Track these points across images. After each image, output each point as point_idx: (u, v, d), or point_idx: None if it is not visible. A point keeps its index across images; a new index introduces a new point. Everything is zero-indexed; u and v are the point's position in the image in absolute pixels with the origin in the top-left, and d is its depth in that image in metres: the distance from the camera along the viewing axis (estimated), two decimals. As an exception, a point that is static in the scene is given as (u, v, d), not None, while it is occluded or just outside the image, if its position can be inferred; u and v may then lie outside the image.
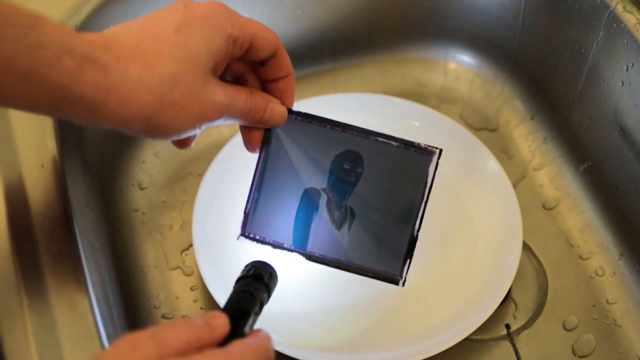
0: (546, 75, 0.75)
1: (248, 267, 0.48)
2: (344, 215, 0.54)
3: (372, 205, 0.54)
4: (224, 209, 0.67)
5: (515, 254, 0.64)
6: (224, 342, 0.42)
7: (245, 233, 0.55)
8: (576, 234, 0.70)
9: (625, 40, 0.64)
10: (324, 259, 0.54)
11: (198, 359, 0.39)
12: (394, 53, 0.80)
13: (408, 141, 0.53)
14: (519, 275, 0.64)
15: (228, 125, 0.75)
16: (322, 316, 0.63)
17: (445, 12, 0.79)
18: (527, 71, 0.78)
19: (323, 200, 0.54)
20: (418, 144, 0.53)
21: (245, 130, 0.53)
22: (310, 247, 0.54)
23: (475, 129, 0.77)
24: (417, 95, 0.79)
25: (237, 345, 0.41)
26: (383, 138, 0.53)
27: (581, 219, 0.70)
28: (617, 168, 0.68)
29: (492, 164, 0.69)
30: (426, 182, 0.53)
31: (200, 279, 0.63)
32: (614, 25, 0.65)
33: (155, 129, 0.46)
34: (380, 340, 0.62)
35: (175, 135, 0.48)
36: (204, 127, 0.48)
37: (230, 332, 0.42)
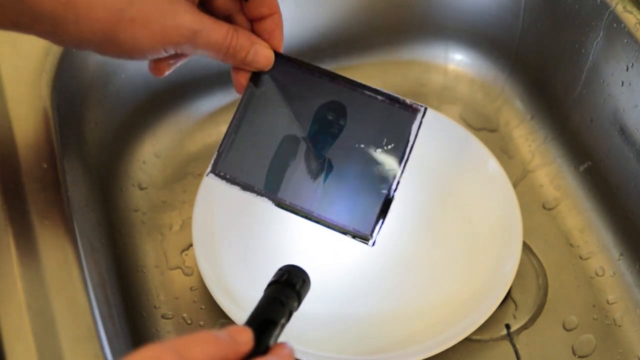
0: (546, 75, 0.75)
1: (281, 272, 0.46)
2: (321, 167, 0.51)
3: (352, 160, 0.51)
4: (224, 209, 0.67)
5: (515, 254, 0.64)
6: (247, 356, 0.40)
7: (215, 171, 0.52)
8: (576, 234, 0.70)
9: (625, 40, 0.64)
10: (293, 208, 0.51)
11: None
12: (394, 53, 0.80)
13: (394, 96, 0.51)
14: (519, 275, 0.63)
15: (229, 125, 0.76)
16: (321, 317, 0.63)
17: (445, 12, 0.79)
18: (527, 71, 0.78)
19: (302, 149, 0.51)
20: (404, 100, 0.51)
21: (234, 71, 0.52)
22: (282, 194, 0.51)
23: (475, 129, 0.77)
24: (417, 95, 0.79)
25: None
26: (369, 91, 0.51)
27: (581, 219, 0.70)
28: (617, 168, 0.68)
29: (492, 164, 0.69)
30: (408, 141, 0.50)
31: (200, 279, 0.63)
32: (614, 25, 0.65)
33: (115, 47, 0.46)
34: (380, 341, 0.62)
35: (139, 55, 0.48)
36: (170, 50, 0.48)
37: (254, 344, 0.40)
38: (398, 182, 0.51)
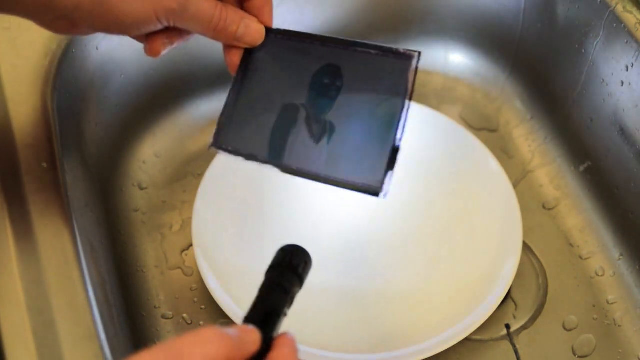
0: (546, 75, 0.75)
1: (283, 254, 0.44)
2: (322, 129, 0.51)
3: (352, 118, 0.50)
4: (224, 209, 0.67)
5: (515, 254, 0.64)
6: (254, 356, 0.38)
7: (217, 144, 0.52)
8: (576, 234, 0.70)
9: (625, 40, 0.64)
10: (301, 172, 0.50)
11: None
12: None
13: (386, 47, 0.50)
14: (519, 275, 0.64)
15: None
16: (321, 316, 0.63)
17: (445, 12, 0.79)
18: (527, 71, 0.78)
19: (302, 115, 0.51)
20: (397, 49, 0.50)
21: (226, 50, 0.52)
22: (287, 160, 0.51)
23: (475, 129, 0.77)
24: (417, 95, 0.78)
25: None
26: (361, 47, 0.51)
27: (581, 219, 0.70)
28: (617, 168, 0.68)
29: (492, 164, 0.69)
30: (406, 88, 0.50)
31: (200, 279, 0.63)
32: (614, 25, 0.65)
33: (108, 12, 0.47)
34: (380, 341, 0.62)
35: (132, 24, 0.48)
36: (163, 19, 0.48)
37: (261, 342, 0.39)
38: (403, 130, 0.49)
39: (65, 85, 0.62)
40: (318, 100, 0.51)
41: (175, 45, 0.52)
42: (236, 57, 0.52)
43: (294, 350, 0.39)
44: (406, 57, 0.50)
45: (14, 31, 0.63)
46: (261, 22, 0.51)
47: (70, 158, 0.60)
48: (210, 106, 0.76)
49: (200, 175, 0.69)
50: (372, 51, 0.51)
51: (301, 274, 0.43)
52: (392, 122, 0.49)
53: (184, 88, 0.75)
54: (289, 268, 0.42)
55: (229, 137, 0.52)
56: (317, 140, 0.50)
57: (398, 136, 0.49)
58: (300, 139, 0.51)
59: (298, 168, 0.50)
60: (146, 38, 0.51)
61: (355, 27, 0.79)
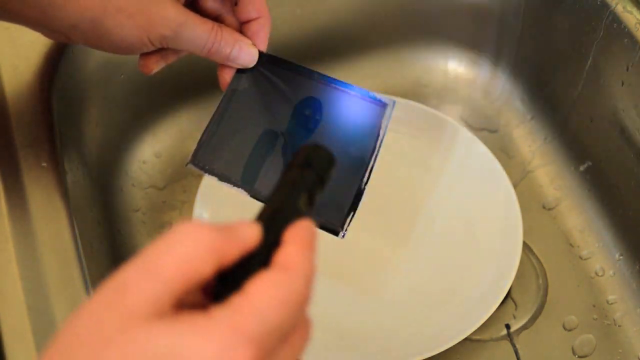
0: (546, 75, 0.75)
1: (302, 153, 0.37)
2: None
3: None
4: (224, 209, 0.67)
5: (515, 254, 0.64)
6: (254, 256, 0.31)
7: (194, 161, 0.53)
8: (576, 234, 0.70)
9: (625, 40, 0.64)
10: (268, 201, 0.52)
11: (196, 331, 0.28)
12: (394, 53, 0.80)
13: (364, 91, 0.53)
14: (519, 275, 0.63)
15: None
16: (321, 317, 0.63)
17: (445, 12, 0.79)
18: (527, 71, 0.78)
19: (280, 143, 0.53)
20: (374, 94, 0.53)
21: (219, 67, 0.54)
22: (258, 186, 0.53)
23: (476, 129, 0.77)
24: (417, 95, 0.79)
25: (257, 291, 0.29)
26: (342, 86, 0.53)
27: (581, 219, 0.70)
28: (617, 168, 0.68)
29: (492, 164, 0.69)
30: (378, 135, 0.52)
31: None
32: (614, 25, 0.65)
33: (103, 36, 0.48)
34: (380, 341, 0.62)
35: (126, 47, 0.49)
36: (156, 43, 0.49)
37: (263, 239, 0.32)
38: (369, 175, 0.51)
39: (65, 85, 0.62)
40: (297, 130, 0.53)
41: (169, 62, 0.54)
42: (228, 76, 0.54)
43: (308, 243, 0.33)
44: (382, 104, 0.52)
45: (14, 31, 0.63)
46: (255, 45, 0.53)
47: (70, 158, 0.60)
48: (211, 106, 0.75)
49: (200, 175, 0.69)
50: (352, 92, 0.53)
51: (318, 170, 0.37)
52: (361, 165, 0.52)
53: (183, 88, 0.75)
54: (301, 165, 0.37)
55: (206, 156, 0.53)
56: None
57: (364, 180, 0.51)
58: (274, 168, 0.52)
59: (266, 196, 0.52)
60: (140, 55, 0.53)
61: (356, 28, 0.79)
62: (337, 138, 0.53)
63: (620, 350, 0.63)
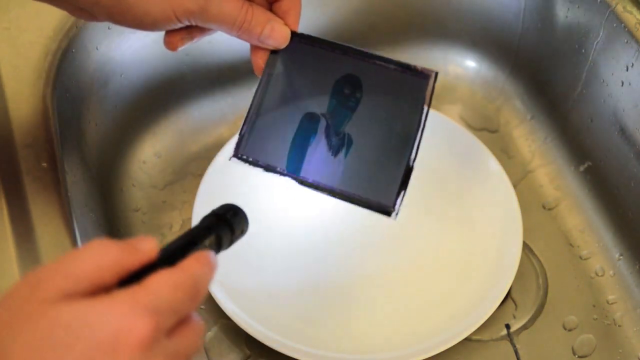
0: (546, 75, 0.75)
1: (218, 209, 0.43)
2: (341, 142, 0.52)
3: (370, 132, 0.51)
4: (224, 209, 0.67)
5: (515, 254, 0.64)
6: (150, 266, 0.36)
7: (238, 154, 0.53)
8: (576, 234, 0.70)
9: (625, 40, 0.64)
10: (317, 186, 0.51)
11: (100, 303, 0.32)
12: (394, 53, 0.80)
13: (405, 64, 0.51)
14: (519, 275, 0.63)
15: (228, 127, 0.76)
16: (321, 317, 0.63)
17: (445, 12, 0.79)
18: (527, 71, 0.78)
19: (322, 125, 0.52)
20: (415, 66, 0.51)
21: (253, 50, 0.52)
22: (304, 172, 0.52)
23: (475, 129, 0.77)
24: (417, 95, 0.79)
25: (154, 279, 0.34)
26: (381, 61, 0.52)
27: (581, 219, 0.70)
28: (617, 168, 0.68)
29: (492, 164, 0.69)
30: (422, 107, 0.51)
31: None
32: (614, 25, 0.65)
33: (126, 10, 0.47)
34: (380, 341, 0.62)
35: (151, 22, 0.48)
36: (183, 19, 0.48)
37: (161, 256, 0.36)
38: (417, 150, 0.50)
39: (65, 85, 0.62)
40: (338, 111, 0.52)
41: (195, 40, 0.52)
42: (262, 59, 0.52)
43: (198, 268, 0.36)
44: (423, 76, 0.51)
45: (14, 31, 0.63)
46: (287, 24, 0.51)
47: (70, 158, 0.60)
48: (211, 106, 0.76)
49: (200, 175, 0.69)
50: (391, 66, 0.52)
51: (230, 219, 0.43)
52: (408, 140, 0.50)
53: (184, 88, 0.75)
54: (214, 215, 0.43)
55: (249, 147, 0.52)
56: (335, 153, 0.52)
57: (412, 156, 0.50)
58: (318, 152, 0.52)
59: (314, 181, 0.51)
60: (165, 32, 0.51)
61: (356, 28, 0.79)
62: (380, 115, 0.51)
63: (620, 350, 0.63)
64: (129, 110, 0.72)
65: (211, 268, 0.37)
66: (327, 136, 0.52)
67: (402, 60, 0.51)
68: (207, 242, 0.40)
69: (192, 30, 0.51)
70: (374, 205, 0.50)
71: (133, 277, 0.35)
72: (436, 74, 0.51)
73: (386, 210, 0.50)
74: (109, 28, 0.67)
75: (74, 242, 0.52)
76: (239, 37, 0.50)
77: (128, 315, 0.32)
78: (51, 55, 0.62)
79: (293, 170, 0.52)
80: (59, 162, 0.56)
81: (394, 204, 0.50)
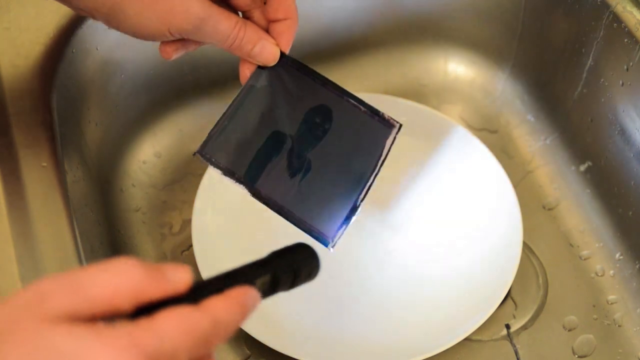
0: (546, 75, 0.75)
1: (298, 249, 0.39)
2: (301, 166, 0.54)
3: (329, 163, 0.54)
4: (224, 209, 0.67)
5: (515, 254, 0.64)
6: (180, 298, 0.32)
7: (202, 152, 0.54)
8: (576, 234, 0.70)
9: (625, 40, 0.64)
10: (267, 201, 0.53)
11: (94, 336, 0.29)
12: (394, 53, 0.80)
13: (374, 109, 0.54)
14: (519, 275, 0.64)
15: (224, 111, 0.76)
16: (321, 316, 0.63)
17: (445, 12, 0.79)
18: (527, 71, 0.78)
19: (287, 146, 0.54)
20: (382, 114, 0.54)
21: (241, 62, 0.54)
22: (260, 185, 0.53)
23: (475, 129, 0.77)
24: (417, 95, 0.79)
25: (164, 316, 0.31)
26: (354, 100, 0.54)
27: (581, 219, 0.70)
28: (617, 168, 0.68)
29: (492, 164, 0.69)
30: (381, 154, 0.53)
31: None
32: (614, 25, 0.65)
33: (122, 21, 0.48)
34: (380, 341, 0.62)
35: (144, 35, 0.49)
36: (176, 34, 0.49)
37: (194, 288, 0.32)
38: (366, 192, 0.53)
39: (65, 85, 0.62)
40: (305, 136, 0.54)
41: (189, 50, 0.53)
42: (248, 71, 0.54)
43: (238, 300, 0.33)
44: (389, 125, 0.54)
45: (14, 31, 0.63)
46: (279, 45, 0.53)
47: (70, 158, 0.60)
48: (211, 106, 0.76)
49: (200, 175, 0.69)
50: (362, 108, 0.54)
51: (298, 275, 0.37)
52: (360, 180, 0.53)
53: (184, 88, 0.75)
54: (290, 263, 0.37)
55: (214, 148, 0.54)
56: (293, 175, 0.54)
57: (361, 196, 0.53)
58: (277, 169, 0.53)
59: (266, 195, 0.53)
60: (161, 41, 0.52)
61: (356, 28, 0.79)
62: (341, 150, 0.54)
63: (620, 350, 0.63)
64: (129, 110, 0.72)
65: (243, 312, 0.33)
66: (290, 157, 0.54)
67: (373, 106, 0.54)
68: (258, 281, 0.35)
69: (187, 42, 0.53)
70: (315, 233, 0.52)
71: (151, 309, 0.31)
72: (400, 125, 0.54)
73: (325, 241, 0.52)
74: (109, 28, 0.67)
75: (74, 242, 0.52)
76: (230, 52, 0.52)
77: (122, 357, 0.29)
78: (51, 55, 0.62)
79: (250, 180, 0.53)
80: (59, 162, 0.56)
81: (334, 237, 0.52)
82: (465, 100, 0.79)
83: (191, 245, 0.66)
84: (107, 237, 0.63)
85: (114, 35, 0.67)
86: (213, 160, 0.54)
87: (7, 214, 0.52)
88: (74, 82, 0.64)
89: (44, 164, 0.55)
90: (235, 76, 0.77)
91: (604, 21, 0.66)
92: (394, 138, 0.53)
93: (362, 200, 0.53)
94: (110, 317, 0.31)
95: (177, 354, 0.30)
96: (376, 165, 0.53)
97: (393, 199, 0.70)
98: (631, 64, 0.64)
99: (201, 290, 0.32)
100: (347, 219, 0.53)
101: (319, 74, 0.55)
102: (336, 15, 0.77)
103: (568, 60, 0.71)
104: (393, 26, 0.80)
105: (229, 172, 0.54)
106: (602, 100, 0.68)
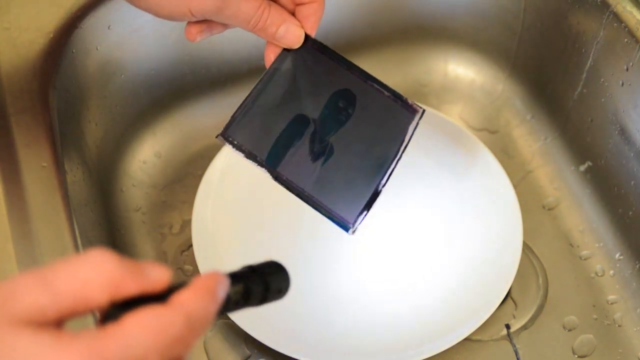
0: (546, 75, 0.75)
1: (268, 266, 0.38)
2: (323, 150, 0.53)
3: (351, 148, 0.53)
4: (224, 209, 0.67)
5: (515, 254, 0.64)
6: (155, 295, 0.31)
7: (225, 134, 0.54)
8: (576, 234, 0.70)
9: (625, 40, 0.64)
10: (289, 184, 0.53)
11: (56, 345, 0.28)
12: (394, 53, 0.80)
13: (398, 94, 0.54)
14: (519, 275, 0.63)
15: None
16: (321, 317, 0.63)
17: (445, 12, 0.79)
18: (527, 71, 0.78)
19: (310, 130, 0.54)
20: (406, 99, 0.54)
21: (267, 46, 0.53)
22: (281, 169, 0.53)
23: (476, 129, 0.77)
24: (417, 95, 0.79)
25: (131, 319, 0.29)
26: (378, 85, 0.54)
27: (581, 219, 0.70)
28: (617, 168, 0.68)
29: (492, 164, 0.69)
30: (403, 140, 0.53)
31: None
32: (614, 25, 0.65)
33: (144, 1, 0.48)
34: (380, 341, 0.62)
35: (165, 15, 0.49)
36: (198, 15, 0.49)
37: (162, 294, 0.31)
38: (388, 178, 0.52)
39: (65, 85, 0.62)
40: (328, 120, 0.54)
41: (214, 33, 0.53)
42: (273, 55, 0.54)
43: (206, 289, 0.31)
44: (412, 110, 0.54)
45: (14, 31, 0.63)
46: (304, 28, 0.53)
47: (70, 158, 0.60)
48: (211, 106, 0.76)
49: (200, 175, 0.69)
50: (386, 92, 0.54)
51: (266, 276, 0.37)
52: (383, 166, 0.53)
53: (184, 88, 0.75)
54: (251, 269, 0.37)
55: (237, 131, 0.53)
56: (315, 159, 0.53)
57: (383, 182, 0.53)
58: (299, 153, 0.53)
59: (288, 179, 0.53)
60: (186, 22, 0.52)
61: (356, 28, 0.79)
62: (364, 134, 0.53)
63: (620, 350, 0.63)
64: (129, 110, 0.72)
65: (214, 299, 0.31)
66: (312, 141, 0.53)
67: (396, 91, 0.54)
68: (231, 289, 0.34)
69: (212, 25, 0.52)
70: (336, 218, 0.52)
71: (125, 306, 0.30)
72: (423, 111, 0.54)
73: (346, 226, 0.52)
74: (109, 28, 0.67)
75: (74, 242, 0.52)
76: (254, 33, 0.52)
77: None
78: (51, 55, 0.62)
79: (271, 164, 0.53)
80: (59, 162, 0.56)
81: (354, 222, 0.52)
82: (465, 100, 0.79)
83: (191, 245, 0.66)
84: (107, 237, 0.63)
85: (114, 35, 0.67)
86: (235, 143, 0.53)
87: (7, 214, 0.52)
88: (74, 82, 0.64)
89: (44, 164, 0.55)
90: (235, 76, 0.77)
91: (604, 21, 0.66)
92: (417, 123, 0.53)
93: (383, 186, 0.52)
94: (83, 312, 0.29)
95: (149, 358, 0.29)
96: (398, 151, 0.53)
97: (393, 199, 0.70)
98: (631, 64, 0.64)
99: (171, 290, 0.31)
100: (369, 204, 0.52)
101: (343, 58, 0.54)
102: (337, 16, 0.77)
103: (568, 60, 0.71)
104: (393, 26, 0.80)
105: (251, 156, 0.53)
106: (602, 100, 0.68)
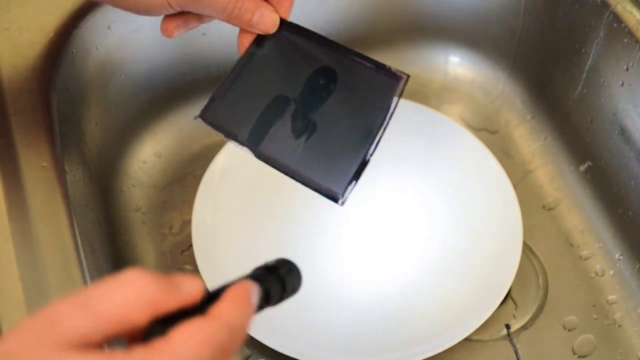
0: (546, 75, 0.75)
1: (283, 264, 0.40)
2: (305, 127, 0.53)
3: (335, 123, 0.53)
4: (224, 209, 0.67)
5: (515, 254, 0.64)
6: (193, 308, 0.32)
7: (204, 116, 0.53)
8: (576, 234, 0.70)
9: (625, 40, 0.64)
10: (273, 160, 0.52)
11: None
12: (394, 53, 0.80)
13: (380, 64, 0.53)
14: (519, 275, 0.63)
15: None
16: (321, 317, 0.63)
17: (445, 12, 0.79)
18: (527, 71, 0.78)
19: (290, 109, 0.53)
20: (389, 67, 0.53)
21: (240, 32, 0.54)
22: (263, 147, 0.53)
23: (475, 129, 0.77)
24: (417, 95, 0.79)
25: (178, 333, 0.30)
26: (359, 57, 0.53)
27: (581, 219, 0.70)
28: (617, 168, 0.68)
29: (492, 164, 0.69)
30: (389, 107, 0.52)
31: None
32: (614, 25, 0.65)
33: None
34: (380, 341, 0.62)
35: (146, 7, 0.49)
36: (175, 6, 0.50)
37: (206, 298, 0.33)
38: (375, 146, 0.51)
39: (65, 85, 0.62)
40: (309, 98, 0.53)
41: (191, 27, 0.53)
42: (247, 41, 0.54)
43: (241, 298, 0.33)
44: (395, 77, 0.53)
45: (14, 31, 0.63)
46: (278, 12, 0.53)
47: (70, 158, 0.60)
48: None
49: (200, 175, 0.69)
50: (367, 64, 0.53)
51: (282, 275, 0.39)
52: (369, 135, 0.52)
53: (184, 88, 0.75)
54: (267, 268, 0.39)
55: (216, 112, 0.53)
56: (297, 136, 0.53)
57: (370, 151, 0.51)
58: (282, 131, 0.53)
59: (271, 156, 0.52)
60: (162, 18, 0.52)
61: (356, 27, 0.79)
62: (348, 108, 0.53)
63: (620, 350, 0.63)
64: (129, 110, 0.72)
65: (251, 308, 0.33)
66: (293, 119, 0.53)
67: (378, 61, 0.53)
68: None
69: (188, 18, 0.52)
70: (324, 190, 0.51)
71: (167, 322, 0.30)
72: (407, 77, 0.52)
73: (335, 197, 0.51)
74: (108, 28, 0.67)
75: (74, 242, 0.52)
76: (228, 22, 0.52)
77: None
78: (51, 56, 0.62)
79: (253, 142, 0.53)
80: (59, 162, 0.56)
81: (344, 192, 0.51)
82: (465, 100, 0.79)
83: (191, 245, 0.66)
84: (107, 237, 0.63)
85: (114, 35, 0.67)
86: (215, 124, 0.53)
87: (7, 214, 0.52)
88: (74, 82, 0.64)
89: (44, 164, 0.55)
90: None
91: (604, 21, 0.66)
92: (402, 90, 0.52)
93: (371, 155, 0.51)
94: (125, 333, 0.30)
95: None
96: (385, 119, 0.52)
97: (392, 199, 0.70)
98: (631, 64, 0.64)
99: (211, 300, 0.32)
100: (357, 174, 0.51)
101: (321, 36, 0.54)
102: (337, 16, 0.77)
103: (568, 60, 0.71)
104: (393, 26, 0.80)
105: (231, 135, 0.53)
106: (602, 100, 0.68)
